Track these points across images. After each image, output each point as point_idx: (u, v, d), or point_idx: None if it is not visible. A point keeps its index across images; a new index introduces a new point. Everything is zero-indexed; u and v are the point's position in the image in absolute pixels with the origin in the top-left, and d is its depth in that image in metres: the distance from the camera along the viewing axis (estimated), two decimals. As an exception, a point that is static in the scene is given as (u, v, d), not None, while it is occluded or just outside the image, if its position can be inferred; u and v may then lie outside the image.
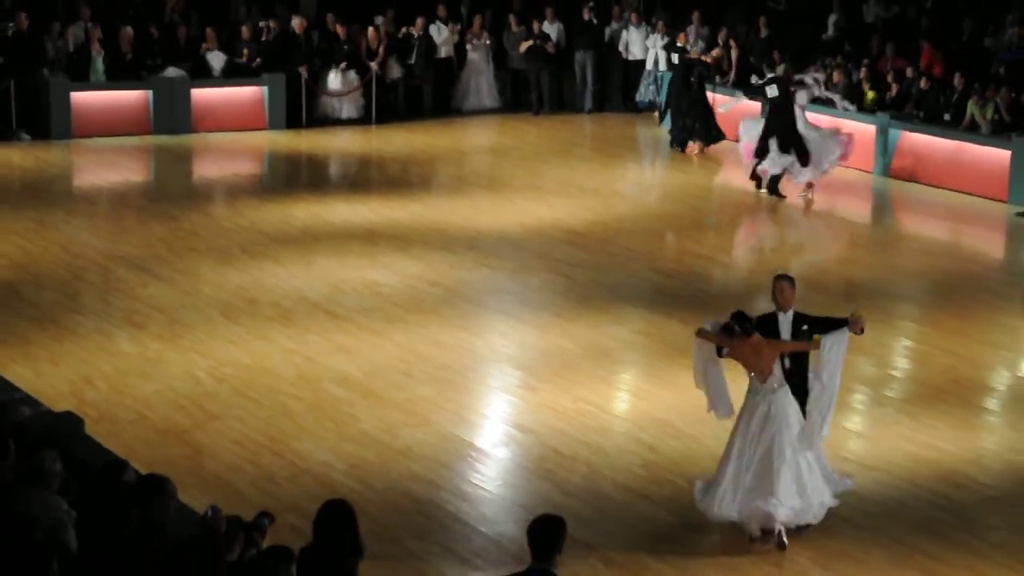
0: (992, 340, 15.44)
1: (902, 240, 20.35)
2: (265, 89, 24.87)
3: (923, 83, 22.94)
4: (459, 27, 27.20)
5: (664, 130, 26.11)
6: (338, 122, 25.46)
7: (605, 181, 22.30)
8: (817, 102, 21.21)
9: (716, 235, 20.14)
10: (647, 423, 12.83)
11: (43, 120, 23.48)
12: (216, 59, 24.70)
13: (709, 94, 24.01)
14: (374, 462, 11.89)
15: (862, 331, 10.71)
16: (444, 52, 26.66)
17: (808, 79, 21.11)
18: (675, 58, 24.23)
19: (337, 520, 7.62)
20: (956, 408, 13.38)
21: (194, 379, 13.58)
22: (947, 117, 22.48)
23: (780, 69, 22.00)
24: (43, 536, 7.52)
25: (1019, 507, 11.43)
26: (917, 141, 22.43)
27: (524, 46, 26.76)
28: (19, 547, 7.28)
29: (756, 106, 22.44)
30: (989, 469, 12.08)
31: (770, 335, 10.64)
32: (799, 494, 10.55)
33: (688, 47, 24.47)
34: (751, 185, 21.41)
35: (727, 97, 23.20)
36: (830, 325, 10.69)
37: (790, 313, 10.80)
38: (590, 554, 10.34)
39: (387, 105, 26.02)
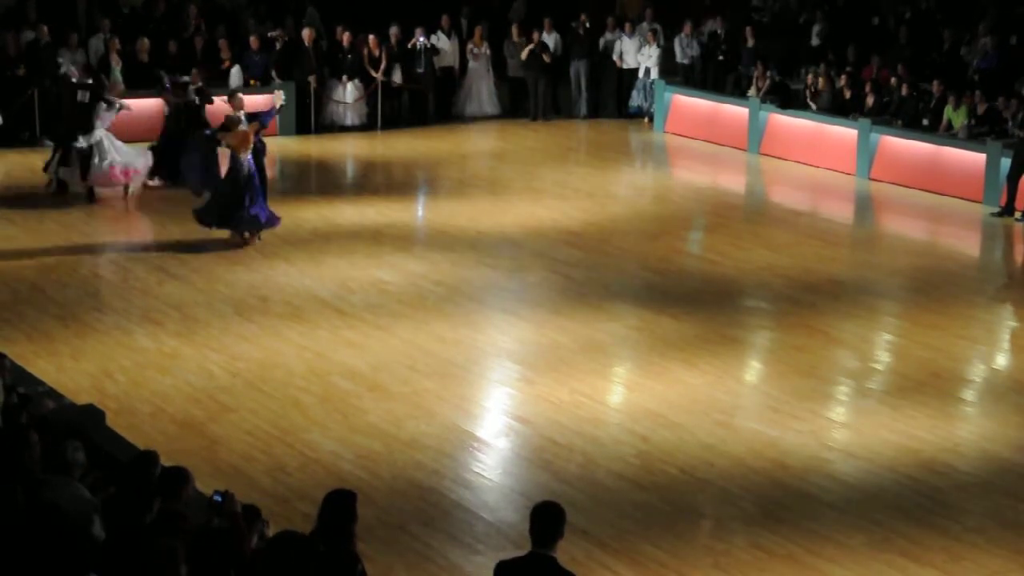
0: (968, 334, 15.57)
1: (883, 239, 20.42)
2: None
3: (904, 90, 23.43)
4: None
5: (656, 134, 26.44)
6: (345, 128, 25.59)
7: (600, 184, 22.41)
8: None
9: (705, 235, 20.19)
10: (640, 414, 12.98)
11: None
12: (235, 78, 24.95)
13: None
14: (381, 452, 12.04)
15: None
16: (447, 61, 26.88)
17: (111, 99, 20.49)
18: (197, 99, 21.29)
19: (340, 508, 7.68)
20: (934, 399, 13.53)
21: (209, 373, 13.72)
22: (925, 122, 22.82)
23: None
24: (70, 524, 7.61)
25: (994, 493, 11.63)
26: (897, 145, 22.66)
27: (525, 51, 27.07)
28: (48, 535, 7.39)
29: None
30: (966, 457, 12.28)
31: None
32: None
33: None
34: (700, 186, 21.59)
35: None
36: None
37: None
38: (585, 539, 10.46)
39: (391, 112, 26.18)
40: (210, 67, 24.96)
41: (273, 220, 18.22)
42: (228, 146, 18.03)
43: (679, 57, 27.43)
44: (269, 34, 25.90)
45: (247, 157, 17.82)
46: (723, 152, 24.94)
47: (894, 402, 13.50)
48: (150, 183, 21.09)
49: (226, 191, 17.92)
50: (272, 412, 12.90)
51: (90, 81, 21.13)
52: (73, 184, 20.48)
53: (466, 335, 15.07)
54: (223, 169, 18.64)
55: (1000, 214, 20.75)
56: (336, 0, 28.55)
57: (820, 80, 24.21)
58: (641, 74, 27.15)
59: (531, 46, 26.99)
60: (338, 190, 21.93)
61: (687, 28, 27.43)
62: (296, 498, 11.01)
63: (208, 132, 18.11)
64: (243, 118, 18.12)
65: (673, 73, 27.33)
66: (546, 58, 27.05)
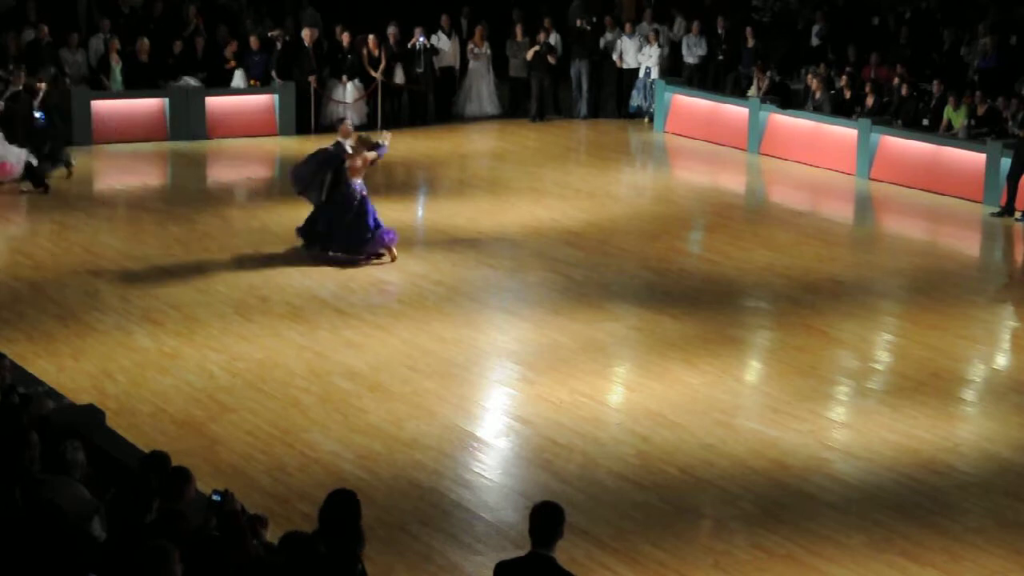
0: (968, 334, 15.57)
1: (883, 239, 20.41)
2: (276, 97, 25.02)
3: (904, 90, 23.45)
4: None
5: (656, 134, 26.46)
6: (344, 129, 25.90)
7: (600, 184, 22.40)
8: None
9: (705, 235, 20.19)
10: (640, 414, 12.99)
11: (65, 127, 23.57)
12: (239, 79, 25.03)
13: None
14: (381, 452, 12.07)
15: None
16: (447, 61, 26.91)
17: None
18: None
19: (342, 508, 7.65)
20: (934, 399, 13.55)
21: (209, 373, 13.76)
22: (925, 122, 22.84)
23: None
24: (70, 524, 7.63)
25: (994, 492, 11.65)
26: (897, 145, 22.65)
27: (531, 52, 27.10)
28: (47, 534, 7.45)
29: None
30: (966, 456, 12.30)
31: None
32: None
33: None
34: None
35: None
36: None
37: None
38: (585, 539, 10.47)
39: (391, 112, 26.17)
40: (212, 67, 25.03)
41: (392, 237, 17.82)
42: (348, 166, 17.67)
43: (686, 57, 27.42)
44: (269, 34, 25.93)
45: (358, 181, 17.64)
46: (723, 152, 24.95)
47: (894, 402, 13.51)
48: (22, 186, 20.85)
49: (348, 218, 17.48)
50: (272, 412, 12.92)
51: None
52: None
53: (466, 335, 15.09)
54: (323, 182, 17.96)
55: (1000, 214, 20.76)
56: (336, 0, 28.54)
57: (815, 83, 24.15)
58: (641, 74, 27.17)
59: (536, 47, 26.99)
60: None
61: (695, 28, 27.42)
62: (296, 498, 11.04)
63: (334, 148, 17.90)
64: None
65: (676, 72, 27.31)
66: (551, 59, 27.05)
